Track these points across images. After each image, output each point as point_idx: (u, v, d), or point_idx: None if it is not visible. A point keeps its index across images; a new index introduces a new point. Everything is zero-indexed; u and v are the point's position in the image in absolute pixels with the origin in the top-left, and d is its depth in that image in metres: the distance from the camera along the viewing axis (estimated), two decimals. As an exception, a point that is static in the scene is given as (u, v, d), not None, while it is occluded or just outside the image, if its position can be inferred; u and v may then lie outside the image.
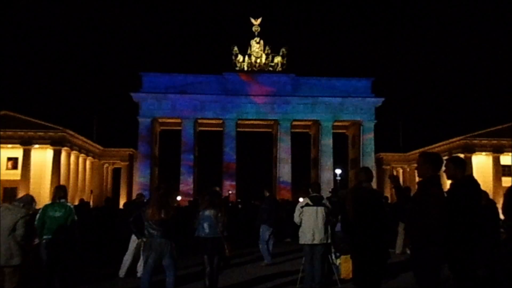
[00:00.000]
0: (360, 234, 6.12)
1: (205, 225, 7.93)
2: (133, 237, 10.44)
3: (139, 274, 10.09)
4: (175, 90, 40.22)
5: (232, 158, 40.63)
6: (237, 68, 41.80)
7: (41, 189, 42.14)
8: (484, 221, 5.27)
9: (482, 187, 5.58)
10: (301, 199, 9.53)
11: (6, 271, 6.41)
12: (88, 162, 49.19)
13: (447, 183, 5.36)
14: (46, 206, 7.95)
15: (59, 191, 8.24)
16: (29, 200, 7.04)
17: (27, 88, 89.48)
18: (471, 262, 4.91)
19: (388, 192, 49.38)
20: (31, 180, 41.24)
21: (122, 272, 10.21)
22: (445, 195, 5.16)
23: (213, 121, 42.89)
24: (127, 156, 52.04)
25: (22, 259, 6.47)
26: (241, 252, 13.44)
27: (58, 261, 7.75)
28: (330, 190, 13.19)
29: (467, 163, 5.68)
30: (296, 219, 8.73)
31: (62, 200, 8.09)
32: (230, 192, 36.08)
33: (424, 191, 5.16)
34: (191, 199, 33.50)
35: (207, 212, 7.97)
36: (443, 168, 5.32)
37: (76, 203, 33.16)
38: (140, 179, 40.39)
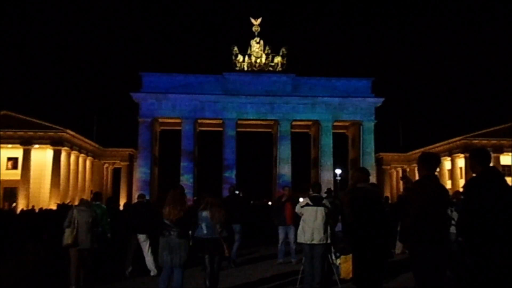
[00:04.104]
0: (360, 234, 6.13)
1: (203, 226, 7.95)
2: (139, 236, 10.49)
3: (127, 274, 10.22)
4: (175, 90, 40.17)
5: (232, 158, 40.62)
6: (237, 68, 41.74)
7: (41, 189, 42.18)
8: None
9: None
10: (301, 199, 9.53)
11: (86, 253, 8.95)
12: (88, 162, 49.19)
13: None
14: None
15: (96, 196, 10.94)
16: (90, 202, 10.04)
17: (27, 88, 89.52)
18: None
19: (388, 192, 49.47)
20: (31, 180, 41.24)
21: (127, 272, 10.32)
22: (433, 194, 5.14)
23: (213, 121, 42.86)
24: (127, 156, 52.05)
25: (96, 244, 9.10)
26: (241, 252, 13.42)
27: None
28: (326, 190, 13.16)
29: (487, 156, 5.18)
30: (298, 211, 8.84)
31: (98, 202, 10.51)
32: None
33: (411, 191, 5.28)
34: (191, 199, 33.59)
35: (204, 213, 8.00)
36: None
37: (76, 203, 33.30)
38: (140, 179, 40.38)
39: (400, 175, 55.29)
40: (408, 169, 53.63)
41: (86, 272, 9.09)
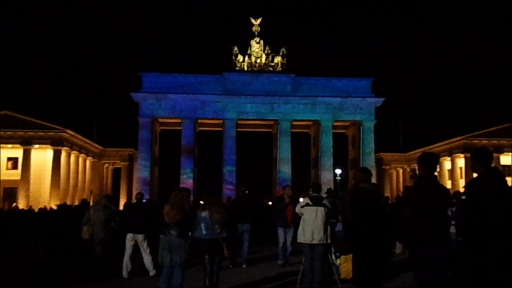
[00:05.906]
0: (361, 235, 6.12)
1: (203, 226, 7.95)
2: (128, 236, 10.46)
3: (125, 275, 10.19)
4: (175, 90, 40.19)
5: (232, 158, 40.62)
6: (237, 68, 41.75)
7: (41, 189, 42.18)
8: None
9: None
10: (301, 199, 9.53)
11: (98, 244, 10.58)
12: (88, 162, 49.20)
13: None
14: None
15: (106, 198, 11.92)
16: (106, 203, 11.22)
17: (27, 88, 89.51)
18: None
19: (388, 192, 49.46)
20: (31, 180, 41.24)
21: (125, 273, 10.29)
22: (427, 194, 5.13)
23: (213, 121, 42.87)
24: (127, 156, 52.05)
25: (109, 237, 10.72)
26: (240, 252, 13.41)
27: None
28: (326, 191, 13.12)
29: (489, 156, 5.08)
30: (298, 211, 8.83)
31: (108, 204, 11.61)
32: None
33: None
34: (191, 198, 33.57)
35: (203, 214, 8.00)
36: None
37: (77, 203, 33.31)
38: (140, 179, 40.38)
39: (400, 175, 55.35)
40: (408, 169, 53.59)
41: (93, 261, 10.47)
